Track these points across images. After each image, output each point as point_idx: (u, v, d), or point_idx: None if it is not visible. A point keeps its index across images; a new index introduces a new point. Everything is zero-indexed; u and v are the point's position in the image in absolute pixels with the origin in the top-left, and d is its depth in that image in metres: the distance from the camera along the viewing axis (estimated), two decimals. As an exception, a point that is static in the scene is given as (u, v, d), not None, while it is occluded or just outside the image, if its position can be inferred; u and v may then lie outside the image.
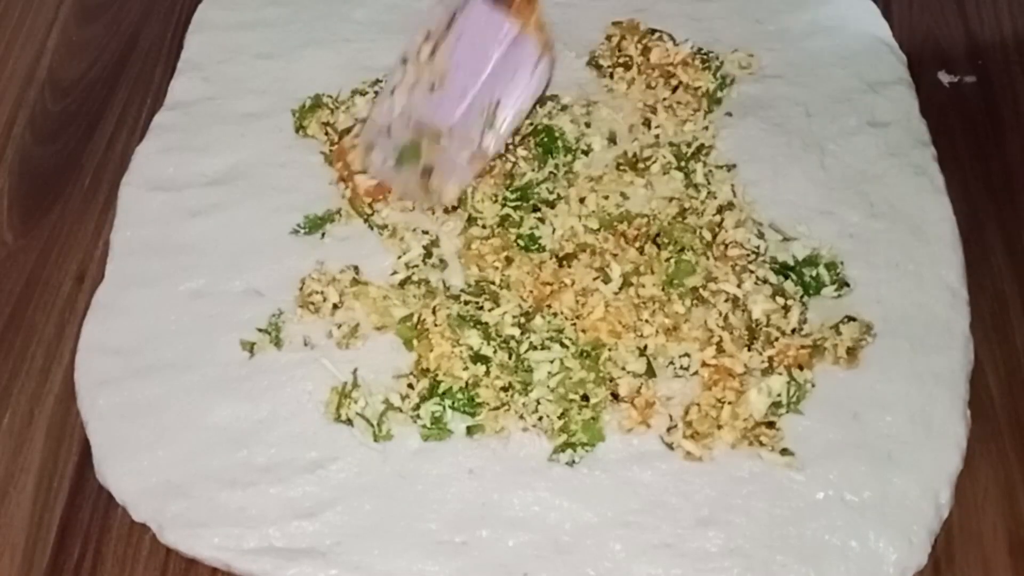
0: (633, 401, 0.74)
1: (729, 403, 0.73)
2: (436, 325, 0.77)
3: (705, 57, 0.92)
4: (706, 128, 0.88)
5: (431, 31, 0.75)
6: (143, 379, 0.77)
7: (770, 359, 0.75)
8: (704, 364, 0.75)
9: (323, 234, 0.83)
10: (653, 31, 0.93)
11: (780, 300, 0.78)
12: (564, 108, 0.88)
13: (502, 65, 0.74)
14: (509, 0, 0.73)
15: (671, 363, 0.76)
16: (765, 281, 0.79)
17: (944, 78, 0.95)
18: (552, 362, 0.75)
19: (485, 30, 0.73)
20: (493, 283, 0.79)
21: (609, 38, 0.93)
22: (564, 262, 0.80)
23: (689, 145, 0.86)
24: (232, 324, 0.79)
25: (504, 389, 0.74)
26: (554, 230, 0.81)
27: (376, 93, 0.89)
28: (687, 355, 0.76)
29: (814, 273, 0.79)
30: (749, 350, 0.76)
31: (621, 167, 0.85)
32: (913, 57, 0.94)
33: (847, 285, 0.79)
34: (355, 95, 0.90)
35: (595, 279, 0.78)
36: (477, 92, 0.75)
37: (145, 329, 0.79)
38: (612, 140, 0.87)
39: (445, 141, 0.75)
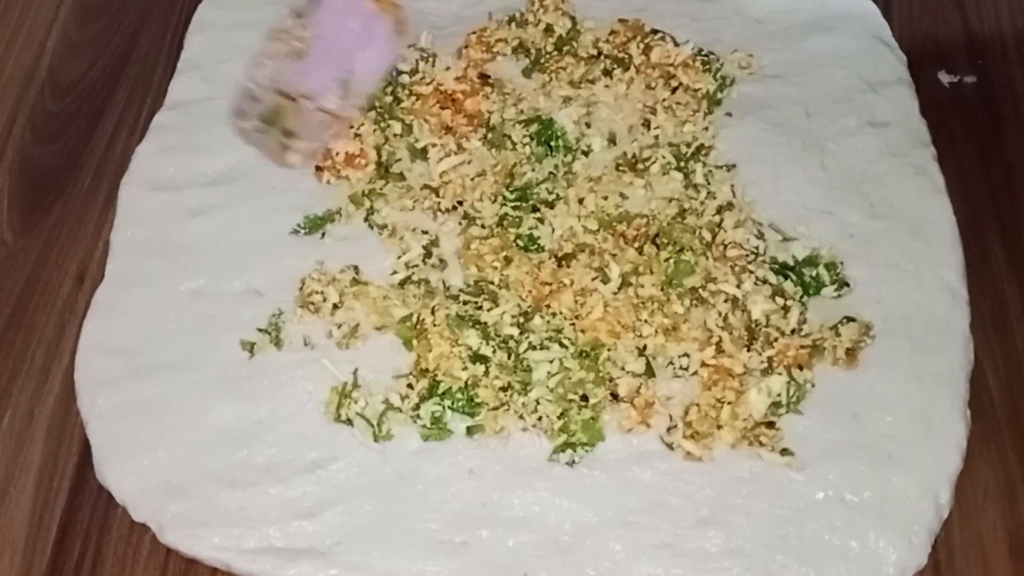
0: (633, 401, 0.74)
1: (729, 403, 0.73)
2: (435, 325, 0.77)
3: (706, 59, 0.92)
4: (706, 128, 0.87)
5: (301, 7, 0.83)
6: (143, 379, 0.77)
7: (770, 359, 0.75)
8: (704, 364, 0.75)
9: (323, 234, 0.83)
10: (655, 31, 0.93)
11: (780, 300, 0.78)
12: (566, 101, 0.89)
13: (359, 39, 0.83)
14: None
15: (670, 363, 0.76)
16: (765, 281, 0.79)
17: (944, 78, 0.95)
18: (551, 362, 0.75)
19: (347, 7, 0.83)
20: (492, 283, 0.79)
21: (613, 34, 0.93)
22: (563, 262, 0.79)
23: (689, 145, 0.86)
24: (232, 324, 0.79)
25: (503, 389, 0.74)
26: (553, 230, 0.81)
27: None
28: (686, 355, 0.76)
29: (814, 273, 0.79)
30: (749, 350, 0.75)
31: (620, 168, 0.85)
32: (913, 57, 0.93)
33: (847, 285, 0.79)
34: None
35: (594, 279, 0.78)
36: (334, 62, 0.82)
37: (145, 329, 0.79)
38: (612, 141, 0.87)
39: (303, 105, 0.82)
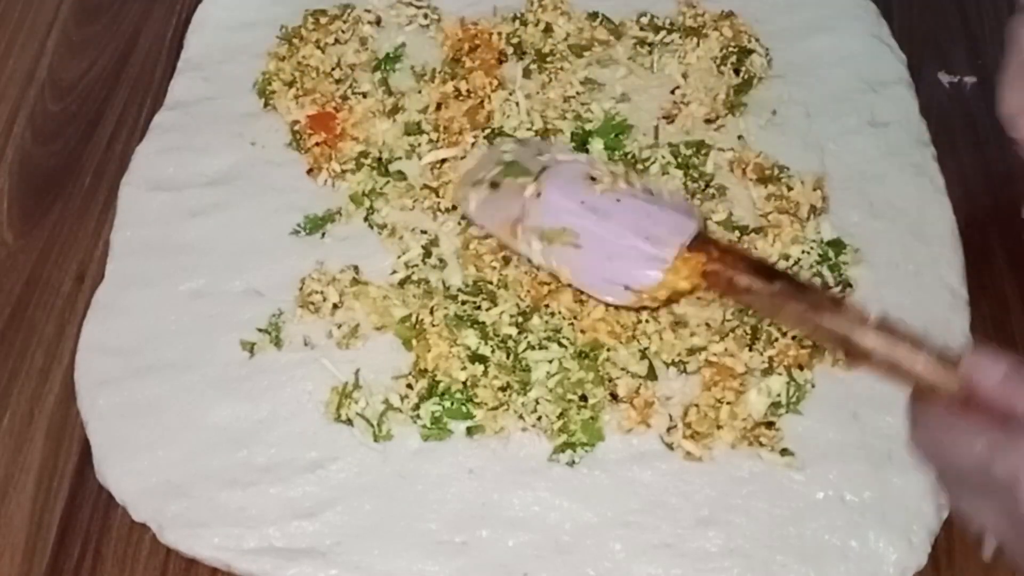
0: (632, 401, 0.74)
1: (728, 403, 0.73)
2: (433, 325, 0.77)
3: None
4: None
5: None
6: (143, 379, 0.77)
7: (770, 359, 0.75)
8: (703, 364, 0.75)
9: (323, 234, 0.83)
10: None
11: (780, 300, 0.78)
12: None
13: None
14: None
15: (671, 363, 0.76)
16: (765, 281, 0.79)
17: (944, 78, 0.95)
18: (550, 362, 0.75)
19: (637, 262, 0.71)
20: (491, 283, 0.79)
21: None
22: (564, 262, 0.79)
23: (688, 145, 0.86)
24: (232, 324, 0.79)
25: (502, 389, 0.74)
26: (554, 230, 0.81)
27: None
28: (686, 355, 0.76)
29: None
30: (750, 350, 0.75)
31: (620, 167, 0.85)
32: (913, 57, 0.93)
33: (850, 286, 0.79)
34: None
35: (594, 279, 0.78)
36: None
37: (145, 329, 0.79)
38: (612, 140, 0.87)
39: None
